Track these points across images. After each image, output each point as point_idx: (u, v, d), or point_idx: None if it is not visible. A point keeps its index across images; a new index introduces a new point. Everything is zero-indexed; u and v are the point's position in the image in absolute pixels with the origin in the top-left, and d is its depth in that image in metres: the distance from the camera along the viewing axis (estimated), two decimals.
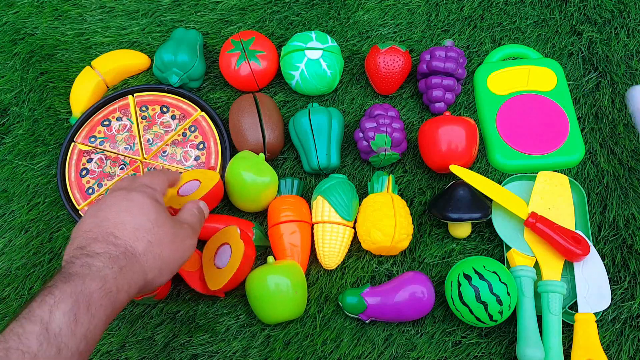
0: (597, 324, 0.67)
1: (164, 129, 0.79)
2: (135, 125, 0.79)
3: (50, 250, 0.74)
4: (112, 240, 0.50)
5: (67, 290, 0.45)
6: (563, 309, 0.68)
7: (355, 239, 0.73)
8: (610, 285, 0.70)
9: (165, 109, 0.80)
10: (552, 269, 0.68)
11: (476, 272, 0.64)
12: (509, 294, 0.63)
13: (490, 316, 0.63)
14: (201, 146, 0.77)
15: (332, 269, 0.71)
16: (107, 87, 0.84)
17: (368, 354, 0.68)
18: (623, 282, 0.70)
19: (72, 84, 0.83)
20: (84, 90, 0.81)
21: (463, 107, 0.81)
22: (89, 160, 0.77)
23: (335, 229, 0.70)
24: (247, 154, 0.72)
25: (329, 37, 0.80)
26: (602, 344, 0.66)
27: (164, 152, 0.78)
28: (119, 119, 0.79)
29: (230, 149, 0.79)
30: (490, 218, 0.73)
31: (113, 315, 0.49)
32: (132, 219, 0.52)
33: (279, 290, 0.65)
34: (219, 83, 0.84)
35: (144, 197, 0.54)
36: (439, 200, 0.72)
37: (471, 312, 0.64)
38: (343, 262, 0.72)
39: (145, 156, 0.78)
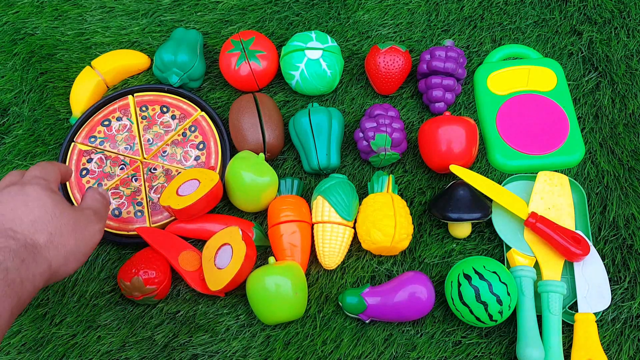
0: (597, 324, 0.67)
1: (164, 129, 0.79)
2: (135, 125, 0.79)
3: None
4: (11, 235, 0.50)
5: None
6: (563, 309, 0.68)
7: (355, 239, 0.73)
8: (610, 285, 0.70)
9: (165, 109, 0.80)
10: (552, 269, 0.68)
11: (476, 272, 0.64)
12: (509, 294, 0.63)
13: (490, 316, 0.63)
14: (201, 146, 0.77)
15: (332, 269, 0.71)
16: (107, 87, 0.84)
17: (368, 354, 0.68)
18: (623, 282, 0.70)
19: (72, 84, 0.83)
20: (84, 90, 0.81)
21: (463, 107, 0.81)
22: (89, 160, 0.77)
23: (335, 229, 0.70)
24: (247, 154, 0.72)
25: (329, 37, 0.80)
26: (602, 344, 0.66)
27: (164, 152, 0.78)
28: (119, 119, 0.79)
29: (230, 149, 0.79)
30: (490, 218, 0.73)
31: (19, 306, 0.49)
32: (30, 212, 0.52)
33: (280, 291, 0.65)
34: (219, 83, 0.84)
35: (39, 189, 0.54)
36: (439, 200, 0.72)
37: (471, 312, 0.64)
38: (343, 262, 0.72)
39: (145, 156, 0.78)
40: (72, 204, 0.75)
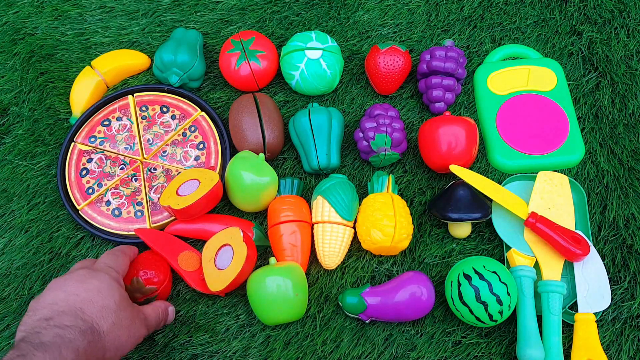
0: (597, 324, 0.67)
1: (164, 128, 0.79)
2: (135, 125, 0.79)
3: (50, 250, 0.74)
4: (80, 315, 0.52)
5: (47, 359, 0.47)
6: (563, 309, 0.68)
7: (355, 239, 0.73)
8: (610, 285, 0.70)
9: (165, 109, 0.80)
10: (552, 269, 0.68)
11: (476, 272, 0.64)
12: (509, 294, 0.63)
13: (490, 316, 0.63)
14: (201, 146, 0.77)
15: (332, 269, 0.71)
16: (107, 87, 0.84)
17: (368, 354, 0.68)
18: (623, 282, 0.70)
19: (72, 84, 0.83)
20: (84, 90, 0.81)
21: (463, 107, 0.81)
22: (89, 160, 0.77)
23: (335, 229, 0.70)
24: (247, 154, 0.72)
25: (329, 37, 0.80)
26: (602, 344, 0.66)
27: (164, 152, 0.78)
28: (119, 119, 0.79)
29: (230, 149, 0.79)
30: (490, 218, 0.73)
31: None
32: (100, 298, 0.55)
33: (280, 291, 0.65)
34: (219, 83, 0.84)
35: (111, 279, 0.58)
36: (439, 200, 0.72)
37: (471, 312, 0.64)
38: (343, 262, 0.72)
39: (145, 156, 0.78)
40: (73, 204, 0.75)
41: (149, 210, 0.74)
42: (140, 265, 0.67)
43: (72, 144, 0.78)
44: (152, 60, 0.85)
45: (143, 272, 0.67)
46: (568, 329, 0.68)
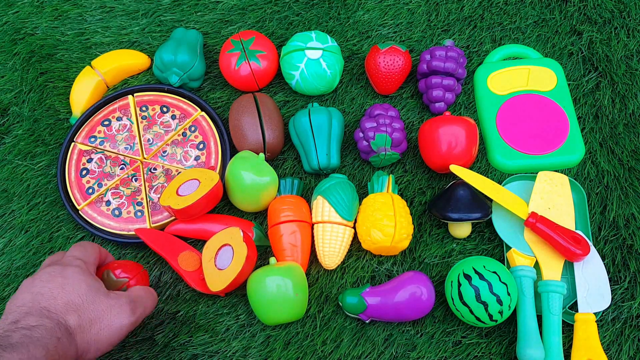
0: (597, 324, 0.67)
1: (164, 128, 0.79)
2: (135, 125, 0.79)
3: (50, 250, 0.74)
4: (46, 314, 0.52)
5: (15, 358, 0.47)
6: (563, 309, 0.68)
7: (355, 239, 0.73)
8: (610, 285, 0.70)
9: (165, 109, 0.80)
10: (552, 269, 0.68)
11: (476, 272, 0.64)
12: (509, 294, 0.63)
13: (490, 316, 0.63)
14: (201, 146, 0.77)
15: (332, 269, 0.71)
16: (107, 87, 0.84)
17: (368, 354, 0.68)
18: (623, 282, 0.70)
19: (72, 84, 0.83)
20: (84, 90, 0.81)
21: (463, 107, 0.81)
22: (89, 160, 0.77)
23: (335, 229, 0.70)
24: (247, 154, 0.72)
25: (329, 37, 0.80)
26: (602, 344, 0.66)
27: (164, 152, 0.78)
28: (119, 119, 0.79)
29: (230, 149, 0.79)
30: (490, 218, 0.73)
31: None
32: (64, 294, 0.54)
33: (280, 291, 0.65)
34: (219, 83, 0.84)
35: (78, 272, 0.57)
36: (439, 200, 0.72)
37: (471, 312, 0.64)
38: (343, 262, 0.72)
39: (145, 156, 0.78)
40: (73, 204, 0.75)
41: (149, 210, 0.74)
42: (113, 264, 0.65)
43: (72, 144, 0.78)
44: (152, 60, 0.85)
45: (112, 265, 0.64)
46: (568, 329, 0.68)
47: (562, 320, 0.68)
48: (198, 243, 0.74)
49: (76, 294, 0.55)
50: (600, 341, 0.66)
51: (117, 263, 0.65)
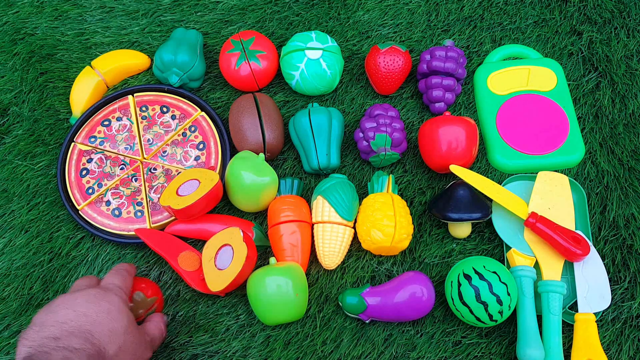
0: (597, 324, 0.67)
1: (164, 129, 0.79)
2: (135, 125, 0.79)
3: (50, 250, 0.74)
4: (89, 338, 0.51)
5: None
6: (563, 309, 0.68)
7: (355, 239, 0.73)
8: (610, 285, 0.70)
9: (165, 109, 0.80)
10: (552, 269, 0.68)
11: (476, 272, 0.64)
12: (509, 294, 0.63)
13: (490, 316, 0.63)
14: (201, 146, 0.77)
15: (332, 269, 0.71)
16: (107, 87, 0.84)
17: (368, 354, 0.68)
18: (623, 282, 0.70)
19: (72, 84, 0.83)
20: (84, 90, 0.81)
21: (463, 107, 0.81)
22: (89, 160, 0.77)
23: (335, 229, 0.70)
24: (247, 154, 0.72)
25: (329, 37, 0.80)
26: (602, 344, 0.66)
27: (164, 152, 0.78)
28: (119, 119, 0.79)
29: (230, 149, 0.79)
30: (490, 218, 0.73)
31: None
32: (109, 321, 0.53)
33: (280, 291, 0.65)
34: (219, 83, 0.84)
35: (120, 301, 0.56)
36: (439, 200, 0.72)
37: (471, 312, 0.64)
38: (343, 262, 0.72)
39: (145, 156, 0.78)
40: (73, 204, 0.75)
41: (149, 210, 0.74)
42: (139, 284, 0.66)
43: (72, 144, 0.78)
44: (152, 60, 0.85)
45: (139, 285, 0.65)
46: (568, 329, 0.68)
47: (562, 320, 0.68)
48: (198, 243, 0.74)
49: (120, 323, 0.54)
50: (600, 341, 0.66)
51: (144, 282, 0.66)
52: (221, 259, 0.67)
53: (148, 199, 0.75)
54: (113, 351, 0.52)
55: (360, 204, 0.72)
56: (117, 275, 0.60)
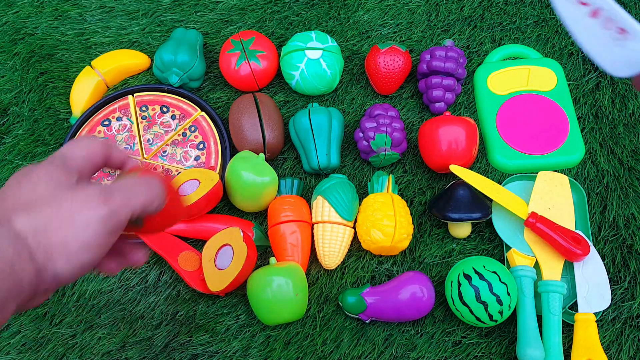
0: (597, 324, 0.67)
1: (164, 128, 0.79)
2: (135, 125, 0.79)
3: None
4: None
5: None
6: (563, 309, 0.68)
7: (355, 239, 0.73)
8: (610, 285, 0.70)
9: (165, 109, 0.80)
10: (552, 269, 0.68)
11: (476, 272, 0.64)
12: (509, 294, 0.63)
13: (490, 316, 0.63)
14: (201, 146, 0.77)
15: (332, 269, 0.71)
16: (107, 87, 0.84)
17: (368, 354, 0.68)
18: (623, 282, 0.70)
19: (72, 84, 0.83)
20: (84, 90, 0.81)
21: (463, 107, 0.81)
22: None
23: (335, 229, 0.70)
24: (247, 154, 0.72)
25: (329, 37, 0.80)
26: (602, 344, 0.66)
27: (164, 152, 0.78)
28: (119, 119, 0.79)
29: (230, 149, 0.79)
30: (490, 218, 0.73)
31: (14, 300, 0.38)
32: (16, 192, 0.42)
33: (280, 291, 0.65)
34: (219, 83, 0.84)
35: (45, 166, 0.43)
36: (439, 200, 0.72)
37: (471, 312, 0.64)
38: (343, 262, 0.72)
39: (145, 156, 0.78)
40: None
41: None
42: (135, 168, 0.47)
43: None
44: (152, 60, 0.85)
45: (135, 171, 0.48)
46: (568, 329, 0.68)
47: (562, 320, 0.68)
48: (198, 243, 0.74)
49: (31, 191, 0.41)
50: (600, 341, 0.66)
51: (142, 169, 0.48)
52: (221, 259, 0.67)
53: None
54: (23, 223, 0.40)
55: (360, 204, 0.72)
56: (69, 143, 0.45)
